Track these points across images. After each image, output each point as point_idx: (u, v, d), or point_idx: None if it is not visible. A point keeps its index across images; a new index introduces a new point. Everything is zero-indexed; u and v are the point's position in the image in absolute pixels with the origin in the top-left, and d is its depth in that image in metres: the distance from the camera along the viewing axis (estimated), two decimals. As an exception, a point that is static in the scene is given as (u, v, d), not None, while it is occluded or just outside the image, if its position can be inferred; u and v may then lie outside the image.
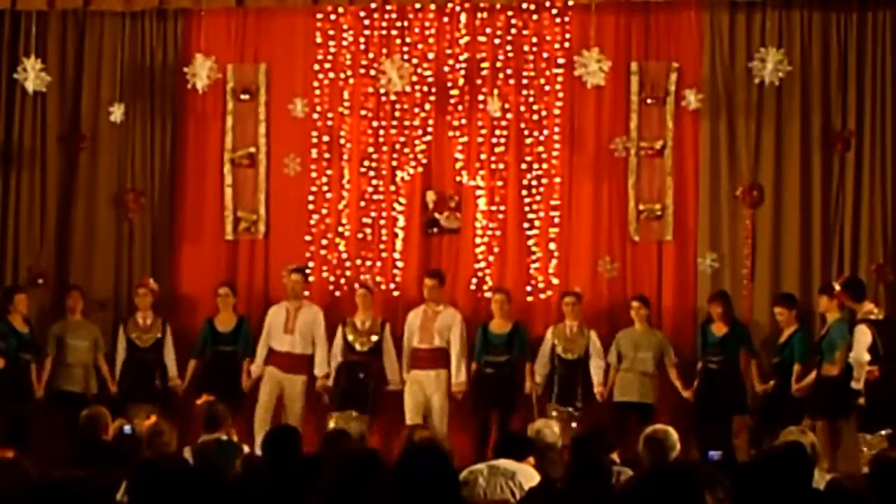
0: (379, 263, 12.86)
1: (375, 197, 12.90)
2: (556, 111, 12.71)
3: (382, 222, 12.89)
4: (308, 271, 12.70)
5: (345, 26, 12.99)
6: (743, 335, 11.97)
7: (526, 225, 12.70)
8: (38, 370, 12.41)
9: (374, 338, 12.38)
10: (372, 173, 12.90)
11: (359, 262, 12.85)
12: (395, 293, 12.76)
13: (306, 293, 12.67)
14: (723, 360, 11.87)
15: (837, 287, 11.54)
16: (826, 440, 11.01)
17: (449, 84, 12.80)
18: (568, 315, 12.26)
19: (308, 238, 12.94)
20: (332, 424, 11.87)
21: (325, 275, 12.84)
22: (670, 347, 12.15)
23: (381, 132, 12.88)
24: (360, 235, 12.90)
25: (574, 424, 11.87)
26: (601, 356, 12.17)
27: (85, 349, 12.48)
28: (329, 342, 12.46)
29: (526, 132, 12.72)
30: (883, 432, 10.93)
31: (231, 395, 12.04)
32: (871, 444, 10.79)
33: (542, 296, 12.61)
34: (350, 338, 12.39)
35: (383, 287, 12.75)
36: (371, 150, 12.91)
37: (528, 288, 12.64)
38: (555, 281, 12.60)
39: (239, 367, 12.55)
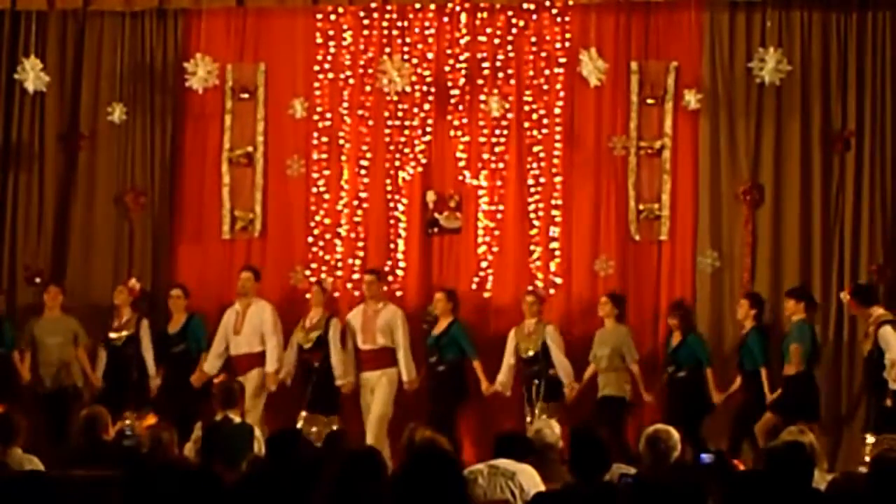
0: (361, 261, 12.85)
1: (375, 197, 12.89)
2: (557, 111, 12.72)
3: (382, 223, 12.89)
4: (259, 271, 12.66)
5: (345, 26, 12.99)
6: (695, 346, 11.94)
7: (526, 224, 12.70)
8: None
9: (315, 334, 12.30)
10: (366, 172, 12.89)
11: (358, 262, 12.84)
12: (399, 293, 12.75)
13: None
14: (675, 370, 11.89)
15: (846, 296, 11.54)
16: (766, 430, 11.14)
17: (449, 84, 12.80)
18: (526, 313, 12.22)
19: (310, 239, 12.94)
20: (300, 424, 11.87)
21: (323, 276, 12.83)
22: (631, 345, 12.04)
23: (381, 132, 12.87)
24: (352, 235, 12.90)
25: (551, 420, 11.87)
26: (563, 350, 12.10)
27: (58, 346, 12.41)
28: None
29: (527, 132, 12.73)
30: None
31: (188, 394, 12.15)
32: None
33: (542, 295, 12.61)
34: (299, 336, 12.39)
35: (385, 288, 12.73)
36: (370, 150, 12.91)
37: (530, 287, 12.62)
38: (557, 280, 12.60)
39: (193, 366, 12.47)
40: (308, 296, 12.57)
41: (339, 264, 12.87)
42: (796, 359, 11.41)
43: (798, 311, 11.62)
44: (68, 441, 10.59)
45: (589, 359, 12.14)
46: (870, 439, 11.04)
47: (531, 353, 12.13)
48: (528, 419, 11.88)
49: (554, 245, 12.66)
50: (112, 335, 12.54)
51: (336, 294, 12.80)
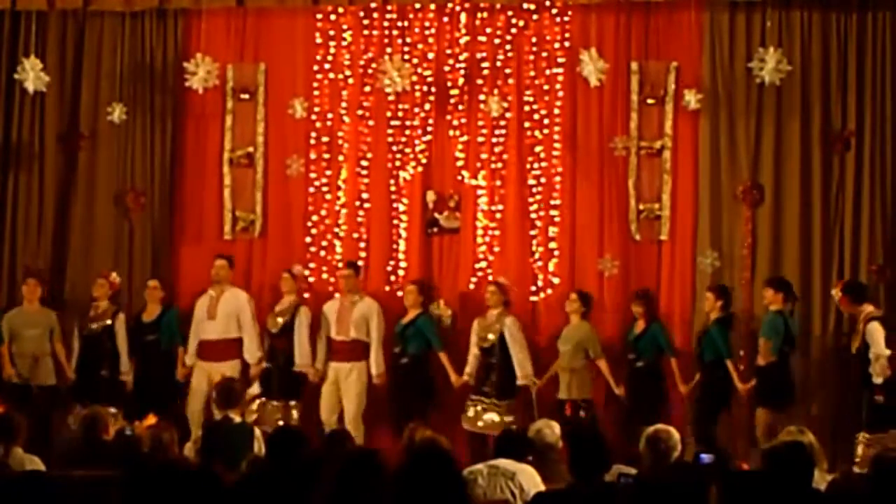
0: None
1: (375, 197, 12.89)
2: (556, 111, 12.72)
3: (382, 223, 12.89)
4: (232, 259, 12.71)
5: (345, 26, 12.99)
6: (657, 335, 12.00)
7: (527, 224, 12.70)
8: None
9: (283, 319, 12.39)
10: (366, 172, 12.89)
11: (359, 262, 12.83)
12: (399, 293, 12.74)
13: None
14: (636, 358, 11.95)
15: (838, 292, 11.57)
16: (764, 429, 11.27)
17: (449, 84, 12.80)
18: (489, 304, 12.26)
19: (308, 239, 12.94)
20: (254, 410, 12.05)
21: (324, 276, 12.84)
22: (595, 342, 12.08)
23: (381, 132, 12.87)
24: (355, 235, 12.90)
25: (506, 418, 11.84)
26: (521, 345, 12.11)
27: (34, 339, 12.37)
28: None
29: (527, 132, 12.73)
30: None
31: (158, 384, 12.22)
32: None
33: (543, 294, 12.60)
34: (268, 322, 12.47)
35: (387, 288, 12.74)
36: (370, 150, 12.91)
37: (533, 288, 12.63)
38: (555, 280, 12.61)
39: (163, 357, 12.51)
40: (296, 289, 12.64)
41: (341, 265, 12.85)
42: (765, 351, 11.52)
43: (776, 301, 11.66)
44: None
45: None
46: (862, 438, 11.09)
47: (488, 343, 12.15)
48: (471, 411, 11.96)
49: (553, 245, 12.66)
50: (85, 324, 12.52)
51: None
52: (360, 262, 12.80)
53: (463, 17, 12.83)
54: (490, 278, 12.62)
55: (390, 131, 12.85)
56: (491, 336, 12.16)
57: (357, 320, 12.32)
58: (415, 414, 11.66)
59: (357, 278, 12.45)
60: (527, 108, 12.72)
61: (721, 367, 11.71)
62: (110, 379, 12.40)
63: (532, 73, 12.75)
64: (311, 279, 12.81)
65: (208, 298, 12.54)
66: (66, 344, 12.55)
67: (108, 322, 12.52)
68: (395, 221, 12.86)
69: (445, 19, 12.88)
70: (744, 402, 11.77)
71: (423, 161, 12.86)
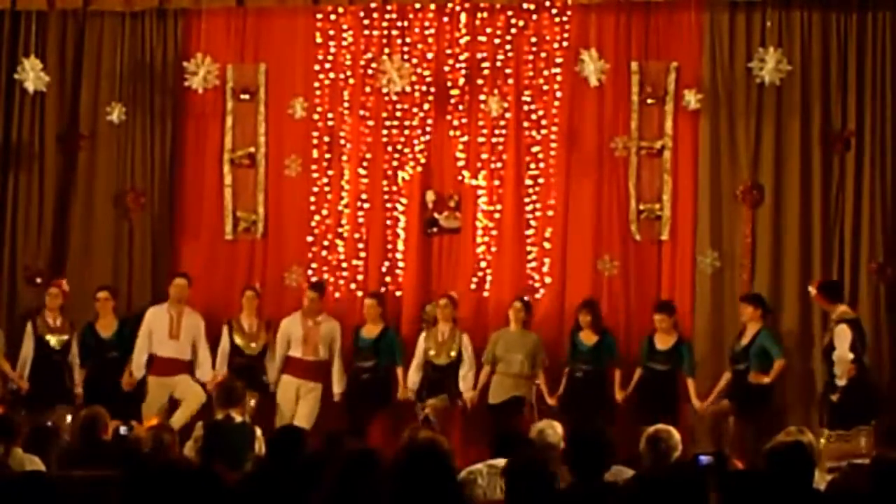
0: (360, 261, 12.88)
1: (374, 197, 12.90)
2: (555, 111, 12.71)
3: (382, 223, 12.90)
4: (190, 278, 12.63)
5: (345, 26, 12.99)
6: (611, 345, 12.07)
7: (524, 224, 12.70)
8: None
9: (262, 343, 12.39)
10: (365, 172, 12.89)
11: (359, 263, 12.84)
12: (398, 293, 12.76)
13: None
14: (589, 369, 11.98)
15: (813, 290, 11.60)
16: (739, 434, 11.49)
17: (449, 84, 12.80)
18: (440, 318, 12.28)
19: (310, 239, 12.94)
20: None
21: (325, 276, 12.84)
22: (542, 350, 12.15)
23: (382, 132, 12.87)
24: (357, 235, 12.90)
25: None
26: (472, 364, 12.17)
27: None
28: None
29: (526, 132, 12.72)
30: (844, 431, 11.08)
31: (120, 400, 12.00)
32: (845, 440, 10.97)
33: (538, 295, 12.60)
34: (238, 341, 12.40)
35: (382, 289, 12.74)
36: (370, 150, 12.91)
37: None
38: (547, 280, 12.60)
39: (123, 373, 12.40)
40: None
41: (345, 265, 12.86)
42: (775, 374, 11.59)
43: (755, 317, 11.71)
44: None
45: (483, 360, 12.19)
46: (825, 435, 11.13)
47: (445, 361, 12.21)
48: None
49: (547, 245, 12.65)
50: (47, 336, 12.34)
51: (337, 295, 12.79)
52: (361, 266, 12.82)
53: (463, 17, 12.83)
54: (488, 279, 12.64)
55: (389, 131, 12.85)
56: (451, 354, 12.22)
57: (324, 338, 12.37)
58: (372, 422, 12.04)
59: (321, 301, 12.45)
60: (526, 108, 12.72)
61: (677, 380, 11.86)
62: (70, 391, 12.26)
63: (532, 74, 12.75)
64: (313, 279, 12.80)
65: (168, 317, 12.43)
66: (9, 353, 12.33)
67: (66, 337, 12.37)
68: (394, 222, 12.86)
69: (445, 19, 12.88)
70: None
71: (423, 161, 12.86)
